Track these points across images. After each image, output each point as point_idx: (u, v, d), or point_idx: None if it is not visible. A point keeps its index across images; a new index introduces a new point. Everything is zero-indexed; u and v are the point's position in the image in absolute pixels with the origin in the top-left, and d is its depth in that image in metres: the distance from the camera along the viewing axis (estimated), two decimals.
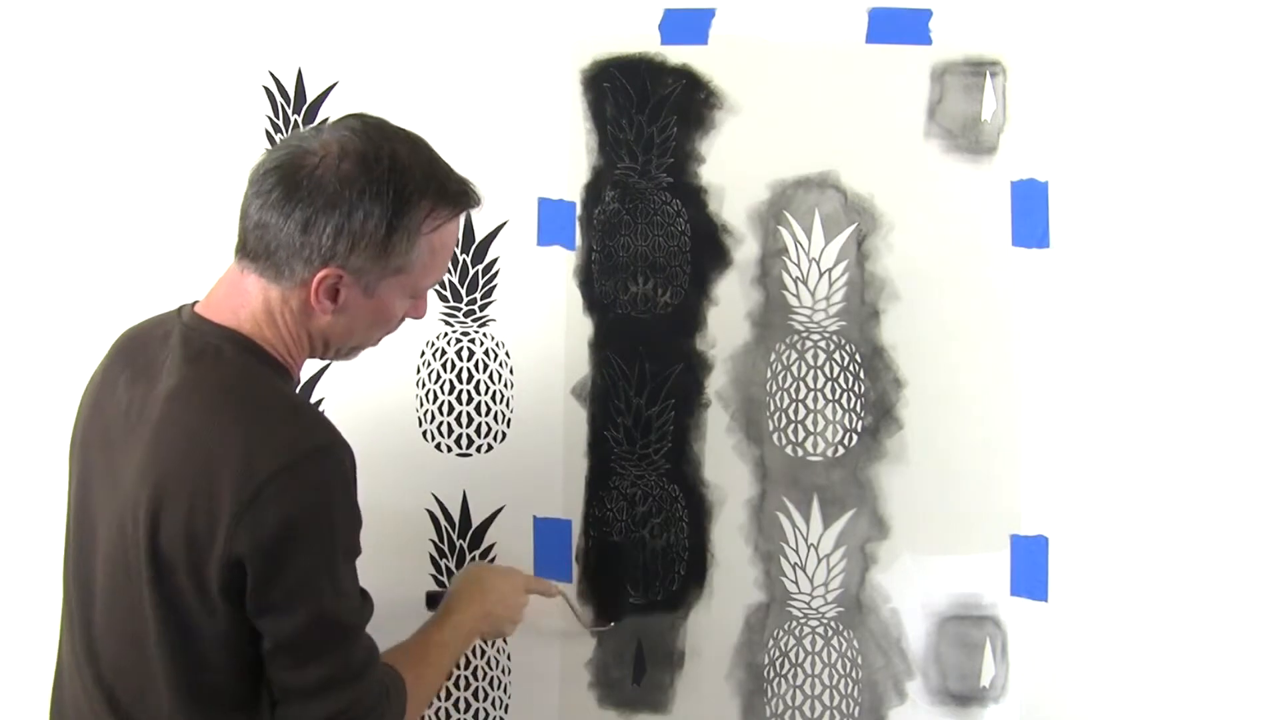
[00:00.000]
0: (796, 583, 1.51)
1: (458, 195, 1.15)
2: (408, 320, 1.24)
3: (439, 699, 1.56)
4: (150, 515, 1.05)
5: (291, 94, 1.61)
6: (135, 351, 1.16)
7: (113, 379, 1.16)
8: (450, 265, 1.56)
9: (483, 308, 1.57)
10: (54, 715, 1.20)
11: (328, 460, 1.08)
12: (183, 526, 1.04)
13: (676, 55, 1.53)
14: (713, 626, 1.52)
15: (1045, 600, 1.46)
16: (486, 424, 1.57)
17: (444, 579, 1.56)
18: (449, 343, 1.58)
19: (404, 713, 1.18)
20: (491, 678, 1.56)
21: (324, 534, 1.07)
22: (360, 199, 1.07)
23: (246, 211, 1.11)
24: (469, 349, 1.58)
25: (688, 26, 1.52)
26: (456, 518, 1.57)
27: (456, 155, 1.55)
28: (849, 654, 1.50)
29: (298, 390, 1.25)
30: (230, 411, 1.07)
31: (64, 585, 1.19)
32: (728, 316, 1.52)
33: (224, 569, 1.04)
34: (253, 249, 1.10)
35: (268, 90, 1.62)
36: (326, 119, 1.12)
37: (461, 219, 1.20)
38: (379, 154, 1.09)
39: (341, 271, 1.09)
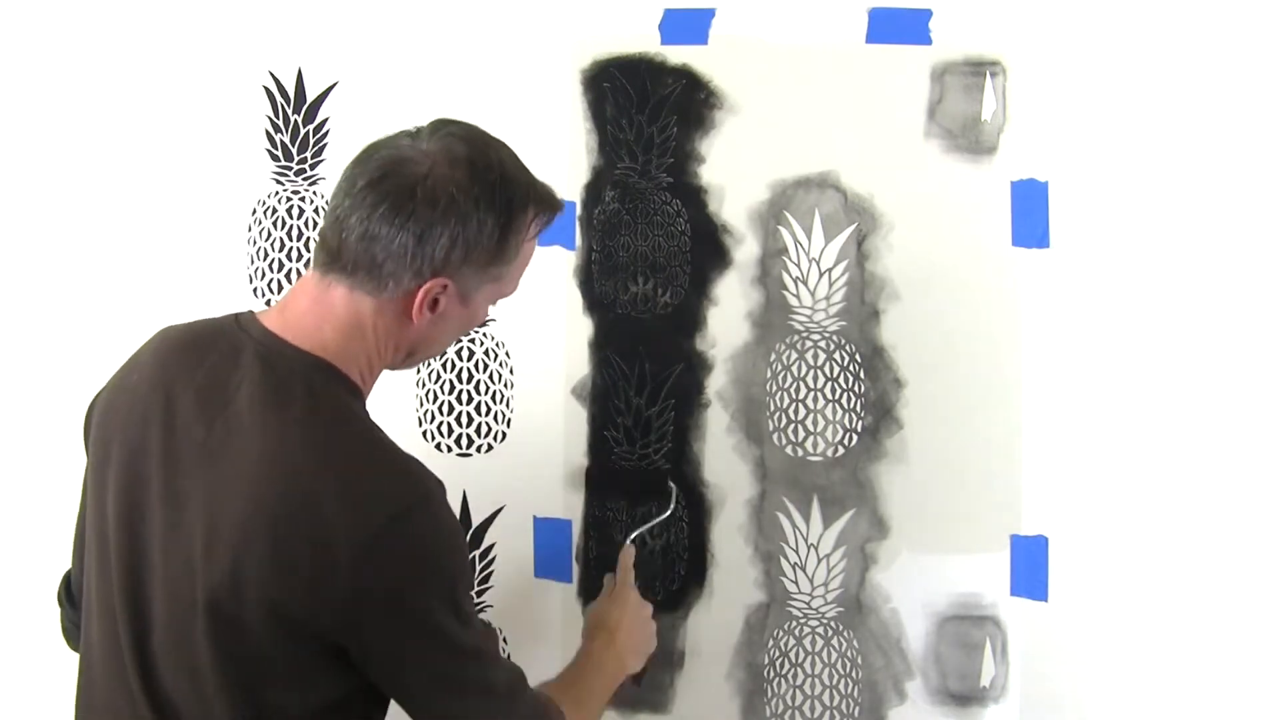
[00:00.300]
0: (796, 583, 1.51)
1: (552, 199, 1.15)
2: None
3: None
4: (234, 560, 1.01)
5: (291, 94, 1.61)
6: (193, 365, 1.10)
7: (170, 392, 1.09)
8: None
9: None
10: None
11: (432, 502, 1.06)
12: (275, 575, 1.01)
13: (676, 55, 1.53)
14: (713, 626, 1.52)
15: (1045, 600, 1.46)
16: (486, 424, 1.57)
17: None
18: None
19: None
20: None
21: (443, 577, 1.06)
22: (475, 207, 1.05)
23: (345, 224, 1.05)
24: (469, 349, 1.58)
25: (688, 26, 1.52)
26: (457, 518, 1.57)
27: None
28: (849, 654, 1.50)
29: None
30: (331, 457, 1.03)
31: (94, 596, 1.13)
32: (728, 316, 1.52)
33: (334, 621, 1.02)
34: (353, 261, 1.06)
35: (268, 90, 1.62)
36: (419, 128, 1.09)
37: None
38: (488, 161, 1.07)
39: (449, 281, 1.07)
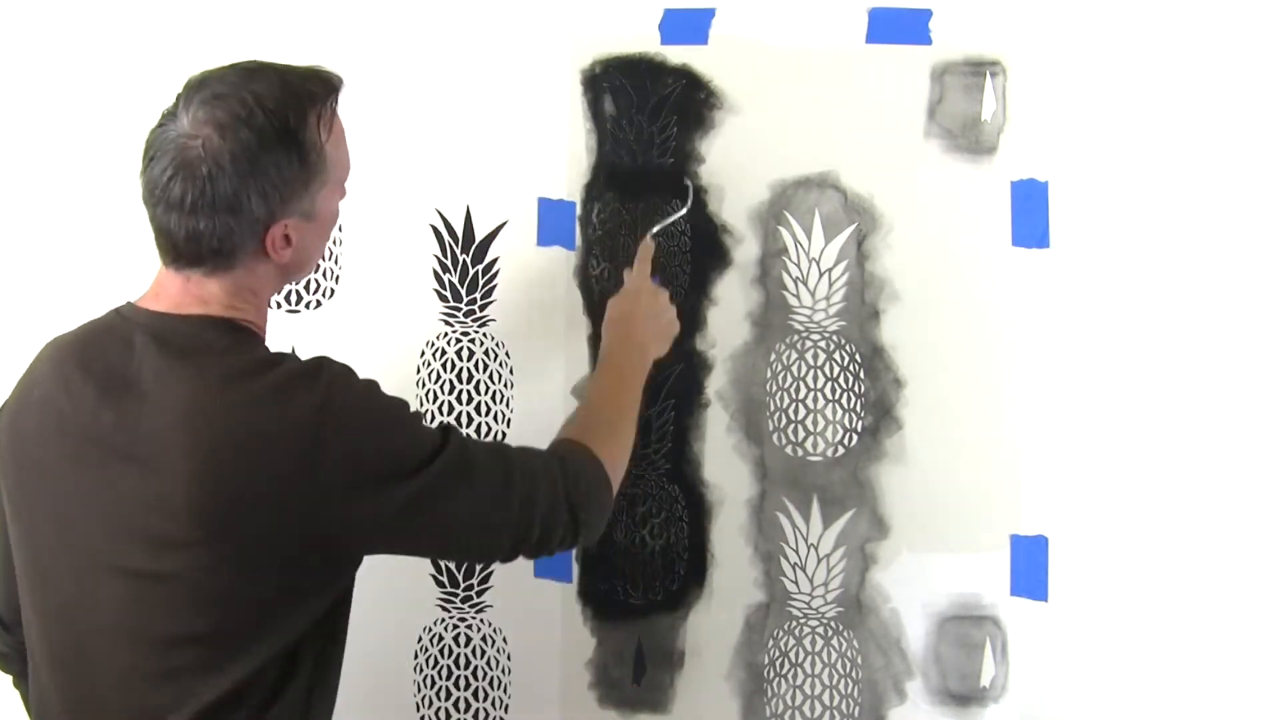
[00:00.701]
0: (796, 583, 1.51)
1: (324, 88, 1.15)
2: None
3: (439, 699, 1.56)
4: (201, 523, 1.04)
5: None
6: (90, 363, 1.11)
7: (73, 395, 1.10)
8: (450, 265, 1.57)
9: (483, 308, 1.57)
10: None
11: (345, 380, 1.10)
12: (246, 519, 1.04)
13: (676, 55, 1.53)
14: (713, 626, 1.52)
15: (1045, 600, 1.46)
16: (486, 424, 1.57)
17: (443, 579, 1.56)
18: (449, 343, 1.58)
19: (602, 462, 1.24)
20: (491, 678, 1.56)
21: (391, 433, 1.10)
22: (262, 154, 1.07)
23: (167, 230, 1.09)
24: (469, 349, 1.58)
25: (688, 26, 1.53)
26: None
27: (457, 155, 1.56)
28: (849, 654, 1.50)
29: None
30: (243, 395, 1.06)
31: (34, 618, 1.13)
32: (728, 316, 1.52)
33: (321, 529, 1.06)
34: (195, 256, 1.09)
35: None
36: (177, 99, 1.11)
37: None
38: (248, 106, 1.07)
39: (285, 219, 1.10)
